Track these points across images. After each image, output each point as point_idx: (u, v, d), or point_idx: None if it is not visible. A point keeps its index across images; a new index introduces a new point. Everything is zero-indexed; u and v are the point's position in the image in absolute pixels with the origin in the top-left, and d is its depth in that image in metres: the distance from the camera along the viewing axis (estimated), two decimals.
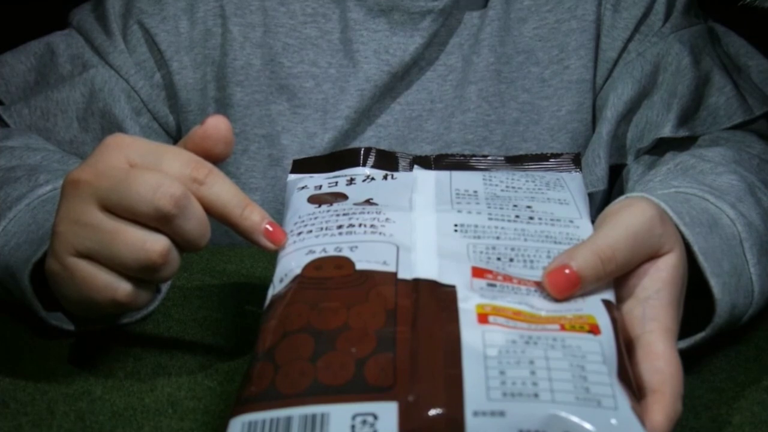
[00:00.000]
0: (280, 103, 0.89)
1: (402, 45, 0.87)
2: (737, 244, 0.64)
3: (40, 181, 0.70)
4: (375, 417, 0.43)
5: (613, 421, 0.43)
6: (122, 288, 0.56)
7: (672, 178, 0.72)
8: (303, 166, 0.65)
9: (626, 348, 0.50)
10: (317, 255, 0.53)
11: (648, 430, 0.47)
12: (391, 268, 0.52)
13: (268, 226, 0.56)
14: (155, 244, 0.54)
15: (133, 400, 0.59)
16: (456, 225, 0.56)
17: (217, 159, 0.57)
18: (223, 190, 0.55)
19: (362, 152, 0.64)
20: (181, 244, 0.56)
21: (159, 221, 0.54)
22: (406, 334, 0.47)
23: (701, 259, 0.60)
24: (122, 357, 0.64)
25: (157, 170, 0.54)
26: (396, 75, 0.88)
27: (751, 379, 0.62)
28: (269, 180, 0.90)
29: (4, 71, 0.89)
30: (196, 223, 0.55)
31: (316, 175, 0.63)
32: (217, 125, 0.57)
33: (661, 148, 0.87)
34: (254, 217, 0.56)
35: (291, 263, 0.53)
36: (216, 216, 0.56)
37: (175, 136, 0.92)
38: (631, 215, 0.54)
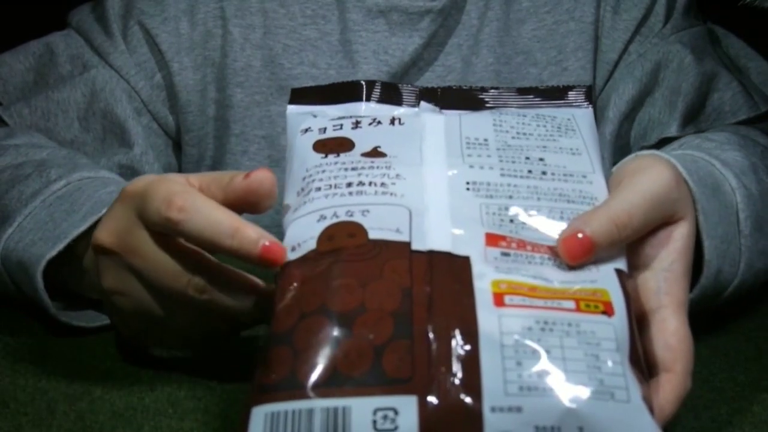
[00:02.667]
0: (280, 104, 0.89)
1: (401, 45, 0.87)
2: (733, 213, 0.64)
3: (52, 176, 0.70)
4: (396, 412, 0.43)
5: (626, 413, 0.44)
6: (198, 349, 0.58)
7: (679, 150, 0.72)
8: (302, 95, 0.63)
9: (638, 320, 0.50)
10: (329, 221, 0.52)
11: (657, 409, 0.48)
12: (404, 237, 0.51)
13: (263, 250, 0.51)
14: (224, 322, 0.56)
15: (133, 400, 0.58)
16: (468, 183, 0.55)
17: (260, 212, 0.55)
18: (203, 222, 0.51)
19: (365, 85, 0.62)
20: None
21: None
22: (423, 319, 0.47)
23: (701, 218, 0.60)
24: (122, 357, 0.64)
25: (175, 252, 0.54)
26: (395, 75, 0.88)
27: (751, 379, 0.62)
28: None
29: (3, 71, 0.89)
30: (227, 292, 0.55)
31: (318, 113, 0.61)
32: (261, 181, 0.54)
33: (663, 143, 0.87)
34: (246, 243, 0.51)
35: (303, 231, 0.52)
36: (206, 250, 0.54)
37: (174, 137, 0.92)
38: (648, 179, 0.54)
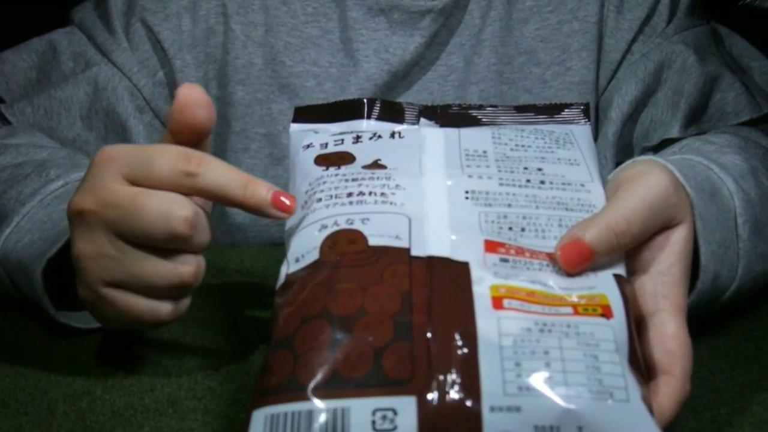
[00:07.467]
0: (281, 102, 0.89)
1: (402, 44, 0.87)
2: (731, 218, 0.64)
3: (51, 176, 0.70)
4: (395, 412, 0.44)
5: (625, 414, 0.44)
6: (164, 309, 0.57)
7: (678, 154, 0.72)
8: (305, 114, 0.64)
9: (637, 324, 0.51)
10: (330, 230, 0.53)
11: (656, 412, 0.48)
12: (404, 244, 0.51)
13: (274, 199, 0.55)
14: (187, 265, 0.55)
15: (133, 400, 0.59)
16: (467, 192, 0.55)
17: (203, 127, 0.56)
18: (219, 174, 0.54)
19: (366, 103, 0.63)
20: (195, 252, 0.56)
21: (175, 243, 0.54)
22: (423, 322, 0.47)
23: (699, 223, 0.59)
24: (122, 357, 0.64)
25: (160, 192, 0.54)
26: (396, 74, 0.88)
27: (751, 379, 0.62)
28: (270, 179, 0.89)
29: (6, 68, 0.89)
30: (207, 233, 0.55)
31: (320, 130, 0.62)
32: (189, 93, 0.56)
33: (665, 144, 0.87)
34: (258, 193, 0.54)
35: (306, 242, 0.53)
36: (220, 201, 0.55)
37: None
38: (646, 185, 0.54)
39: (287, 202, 0.55)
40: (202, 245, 0.55)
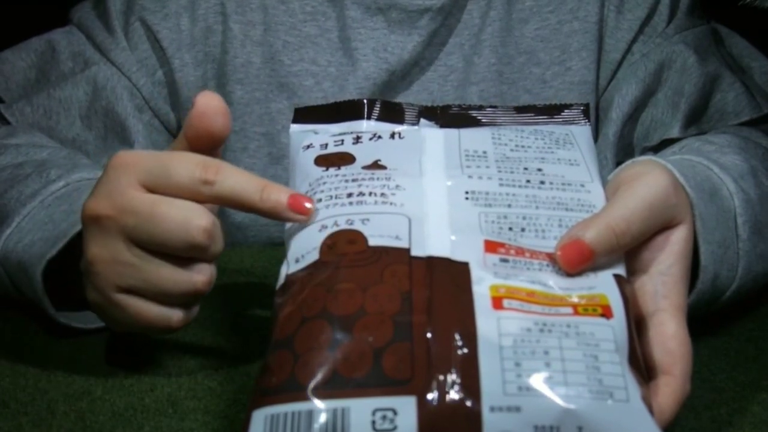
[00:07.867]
0: (280, 101, 0.89)
1: (400, 43, 0.87)
2: (731, 218, 0.64)
3: (52, 176, 0.70)
4: (395, 412, 0.44)
5: (625, 413, 0.44)
6: (175, 316, 0.57)
7: (678, 154, 0.72)
8: (305, 115, 0.64)
9: (637, 324, 0.51)
10: (329, 230, 0.53)
11: (656, 412, 0.48)
12: (404, 244, 0.51)
13: (291, 202, 0.54)
14: (201, 274, 0.55)
15: (133, 400, 0.59)
16: (467, 192, 0.55)
17: (221, 135, 0.56)
18: (235, 181, 0.54)
19: (366, 103, 0.63)
20: (209, 261, 0.56)
21: (193, 252, 0.54)
22: (423, 322, 0.47)
23: (698, 224, 0.60)
24: (122, 357, 0.64)
25: (178, 200, 0.54)
26: (395, 74, 0.88)
27: (751, 379, 0.62)
28: (269, 178, 0.87)
29: (5, 68, 0.89)
30: (222, 242, 0.55)
31: (320, 131, 0.62)
32: (207, 102, 0.56)
33: (666, 144, 0.87)
34: (274, 197, 0.54)
35: (306, 243, 0.53)
36: (236, 207, 0.55)
37: (175, 133, 0.92)
38: (646, 185, 0.54)
39: (305, 204, 0.54)
40: (216, 254, 0.55)
